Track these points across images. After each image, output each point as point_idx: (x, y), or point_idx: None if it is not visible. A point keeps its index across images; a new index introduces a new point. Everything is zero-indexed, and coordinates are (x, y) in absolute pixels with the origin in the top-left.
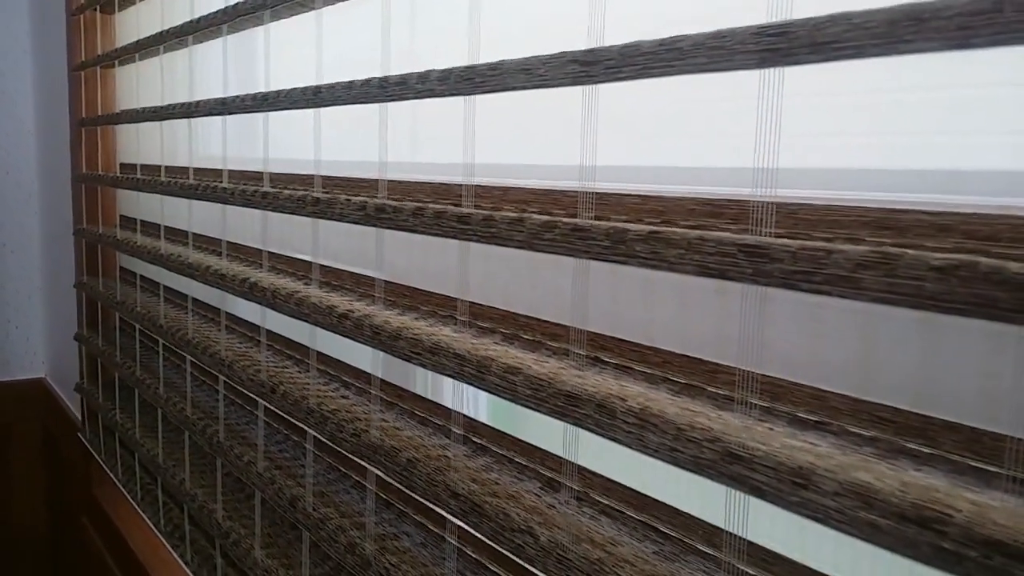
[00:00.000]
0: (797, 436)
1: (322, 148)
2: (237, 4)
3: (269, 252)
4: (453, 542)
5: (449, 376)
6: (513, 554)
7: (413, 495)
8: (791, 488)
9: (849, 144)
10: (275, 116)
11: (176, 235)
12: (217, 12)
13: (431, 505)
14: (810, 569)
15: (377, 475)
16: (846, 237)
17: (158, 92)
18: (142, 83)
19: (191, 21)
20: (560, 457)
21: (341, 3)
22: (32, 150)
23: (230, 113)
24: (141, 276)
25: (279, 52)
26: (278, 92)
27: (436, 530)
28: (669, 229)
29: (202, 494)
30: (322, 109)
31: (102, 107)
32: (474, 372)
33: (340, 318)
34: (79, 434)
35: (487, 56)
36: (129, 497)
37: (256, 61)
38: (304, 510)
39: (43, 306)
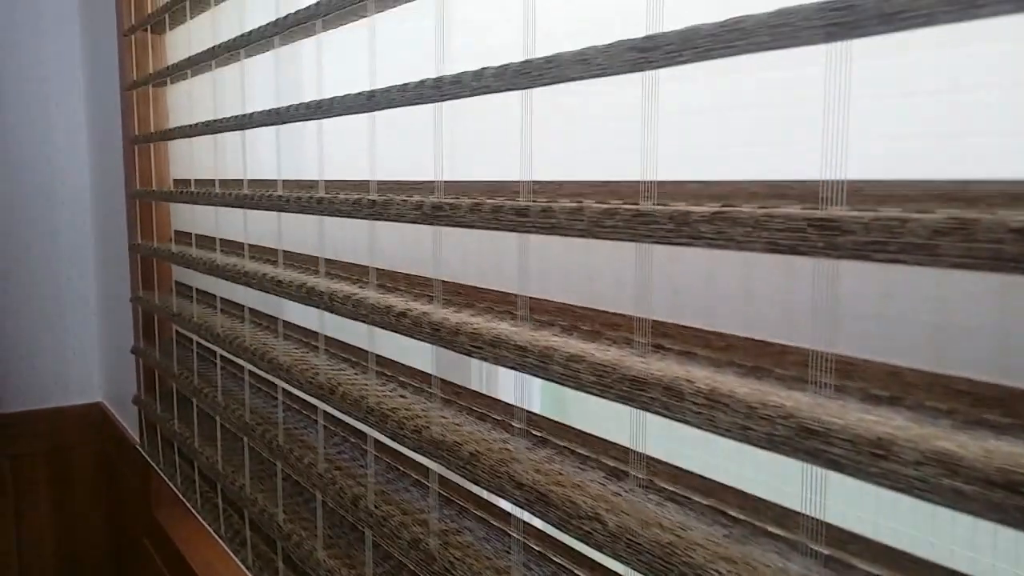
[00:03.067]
0: (871, 411)
1: (377, 161)
2: (288, 16)
3: (326, 259)
4: (518, 536)
5: (511, 367)
6: (582, 540)
7: (475, 491)
8: (870, 459)
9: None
10: (328, 134)
11: (231, 247)
12: (267, 25)
13: (495, 497)
14: (887, 546)
15: (439, 474)
16: (917, 210)
17: (210, 108)
18: (194, 99)
19: (242, 35)
20: (623, 446)
21: (393, 8)
22: (86, 170)
23: (284, 123)
24: (197, 289)
25: (331, 61)
26: (332, 99)
27: (499, 525)
28: (734, 208)
29: (262, 499)
30: (376, 125)
31: (154, 124)
32: (536, 362)
33: (399, 316)
34: (138, 447)
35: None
36: (189, 505)
37: (307, 71)
38: (366, 508)
39: (98, 330)
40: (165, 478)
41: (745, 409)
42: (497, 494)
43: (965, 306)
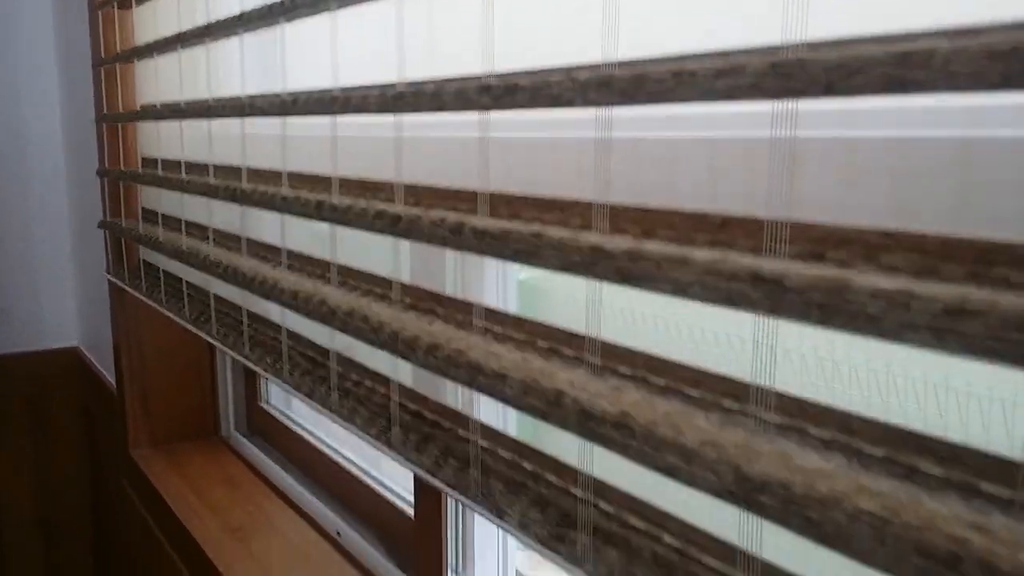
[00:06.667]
0: None
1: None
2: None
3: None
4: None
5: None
6: None
7: None
8: None
9: None
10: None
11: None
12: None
13: None
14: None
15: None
16: None
17: (176, 85)
18: (160, 74)
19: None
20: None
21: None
22: (59, 137)
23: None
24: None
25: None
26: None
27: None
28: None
29: (227, 258)
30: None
31: (122, 100)
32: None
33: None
34: (105, 273)
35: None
36: (155, 304)
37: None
38: (331, 205)
39: (74, 276)
40: (132, 290)
41: None
42: None
43: None
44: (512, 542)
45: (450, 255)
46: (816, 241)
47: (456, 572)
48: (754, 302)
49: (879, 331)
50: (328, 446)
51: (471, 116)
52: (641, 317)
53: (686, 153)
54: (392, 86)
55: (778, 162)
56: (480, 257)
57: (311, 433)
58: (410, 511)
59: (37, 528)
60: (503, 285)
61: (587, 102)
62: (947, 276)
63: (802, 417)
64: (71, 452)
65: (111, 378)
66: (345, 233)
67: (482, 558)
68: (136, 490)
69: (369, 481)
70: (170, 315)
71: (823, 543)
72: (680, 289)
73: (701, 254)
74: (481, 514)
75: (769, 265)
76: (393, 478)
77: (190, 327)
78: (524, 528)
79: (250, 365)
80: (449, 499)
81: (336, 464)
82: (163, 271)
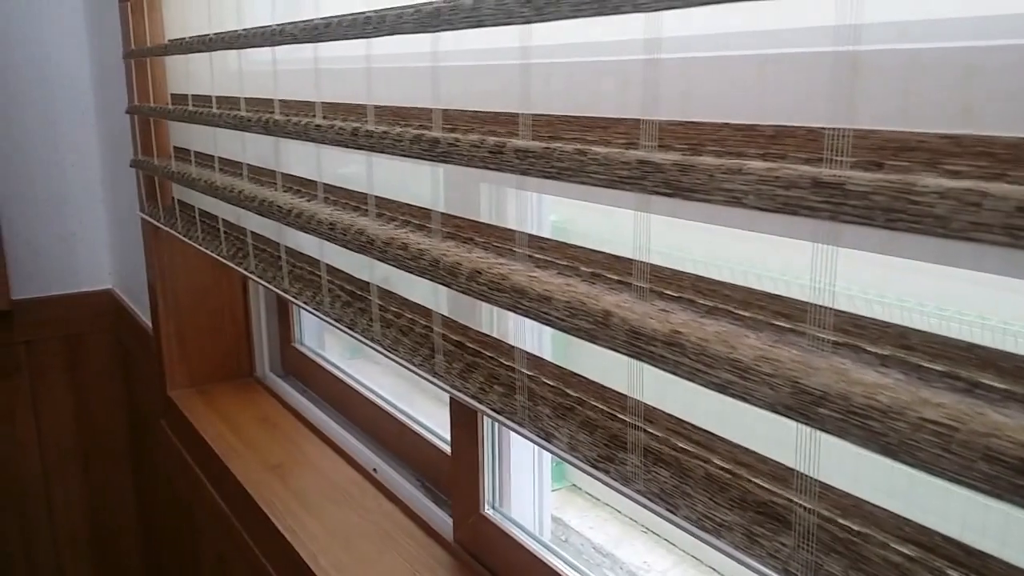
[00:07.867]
0: None
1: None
2: None
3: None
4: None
5: None
6: None
7: None
8: None
9: None
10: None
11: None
12: None
13: None
14: None
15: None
16: None
17: (205, 18)
18: (188, 8)
19: None
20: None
21: None
22: (87, 75)
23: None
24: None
25: None
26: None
27: None
28: None
29: (263, 193)
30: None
31: (150, 34)
32: None
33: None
34: (138, 212)
35: None
36: (191, 242)
37: None
38: (367, 132)
39: (106, 218)
40: (166, 228)
41: None
42: None
43: None
44: (547, 477)
45: (484, 199)
46: (875, 149)
47: (493, 507)
48: (814, 209)
49: (948, 232)
50: (363, 385)
51: (511, 43)
52: (691, 264)
53: (738, 70)
54: (428, 3)
55: (837, 74)
56: (515, 195)
57: (346, 372)
58: (446, 448)
59: (81, 471)
60: (536, 228)
61: (636, 7)
62: (1016, 181)
63: (858, 335)
64: (109, 393)
65: (146, 320)
66: (380, 176)
67: (519, 492)
68: (175, 430)
69: (404, 419)
70: (208, 252)
71: (886, 454)
72: (735, 199)
73: (756, 163)
74: (529, 438)
75: (829, 171)
76: (428, 417)
77: (228, 263)
78: (573, 450)
79: (290, 299)
80: (485, 434)
81: (371, 403)
82: (198, 209)
